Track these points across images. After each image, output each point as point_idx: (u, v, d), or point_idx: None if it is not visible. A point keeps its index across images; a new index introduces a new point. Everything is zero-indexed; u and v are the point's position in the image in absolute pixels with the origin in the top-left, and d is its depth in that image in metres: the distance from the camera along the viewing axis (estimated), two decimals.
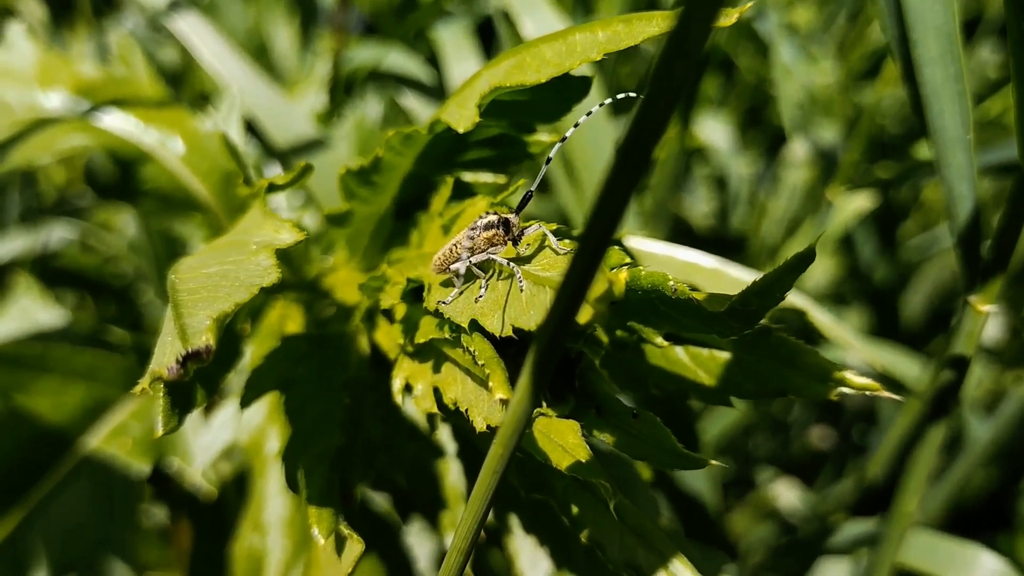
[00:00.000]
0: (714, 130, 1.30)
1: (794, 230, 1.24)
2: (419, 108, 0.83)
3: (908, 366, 0.86)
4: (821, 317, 0.52)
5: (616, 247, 0.34)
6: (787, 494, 1.20)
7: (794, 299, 0.52)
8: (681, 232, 1.31)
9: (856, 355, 0.54)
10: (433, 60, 0.92)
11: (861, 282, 1.22)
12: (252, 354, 0.53)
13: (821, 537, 0.73)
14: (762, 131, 1.43)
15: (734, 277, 0.50)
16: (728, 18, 0.31)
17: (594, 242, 0.22)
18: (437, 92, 0.86)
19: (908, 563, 0.58)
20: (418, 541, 0.60)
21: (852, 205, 0.97)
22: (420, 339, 0.37)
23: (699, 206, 1.41)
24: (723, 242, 1.33)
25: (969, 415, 0.91)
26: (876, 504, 0.87)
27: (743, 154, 1.37)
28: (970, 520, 1.10)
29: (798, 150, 1.18)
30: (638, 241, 0.51)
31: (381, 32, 1.12)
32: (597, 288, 0.27)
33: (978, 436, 0.89)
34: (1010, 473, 1.11)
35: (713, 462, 0.32)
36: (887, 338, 1.16)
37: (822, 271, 1.33)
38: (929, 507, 0.92)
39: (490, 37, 1.05)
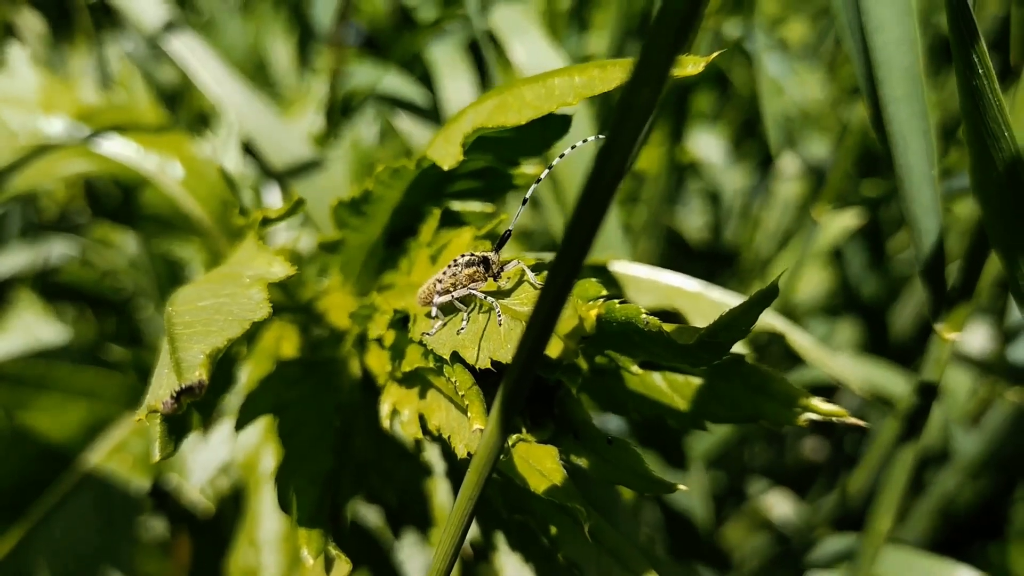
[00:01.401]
0: (708, 145, 1.32)
1: (787, 243, 1.26)
2: (414, 130, 0.85)
3: (895, 381, 0.87)
4: (800, 339, 0.53)
5: (593, 280, 0.35)
6: (781, 506, 1.21)
7: (775, 322, 0.54)
8: (675, 246, 1.32)
9: (843, 373, 0.55)
10: (428, 78, 0.94)
11: (852, 295, 1.23)
12: (248, 375, 0.55)
13: (809, 551, 0.75)
14: (757, 142, 1.44)
15: (716, 300, 0.52)
16: (696, 66, 0.33)
17: (557, 285, 0.24)
18: (432, 113, 0.87)
19: None
20: (410, 556, 0.61)
21: (839, 223, 0.98)
22: (406, 367, 0.38)
23: (693, 219, 1.42)
24: (716, 256, 1.34)
25: (956, 429, 0.92)
26: (865, 516, 0.88)
27: (737, 167, 1.38)
28: (963, 531, 1.11)
29: (788, 165, 1.20)
30: (622, 266, 0.53)
31: (380, 46, 1.13)
32: (567, 324, 0.29)
33: (965, 449, 0.90)
34: (1002, 483, 1.12)
35: (681, 487, 0.34)
36: (878, 351, 1.17)
37: (817, 283, 1.34)
38: (916, 520, 0.93)
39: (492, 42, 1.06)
